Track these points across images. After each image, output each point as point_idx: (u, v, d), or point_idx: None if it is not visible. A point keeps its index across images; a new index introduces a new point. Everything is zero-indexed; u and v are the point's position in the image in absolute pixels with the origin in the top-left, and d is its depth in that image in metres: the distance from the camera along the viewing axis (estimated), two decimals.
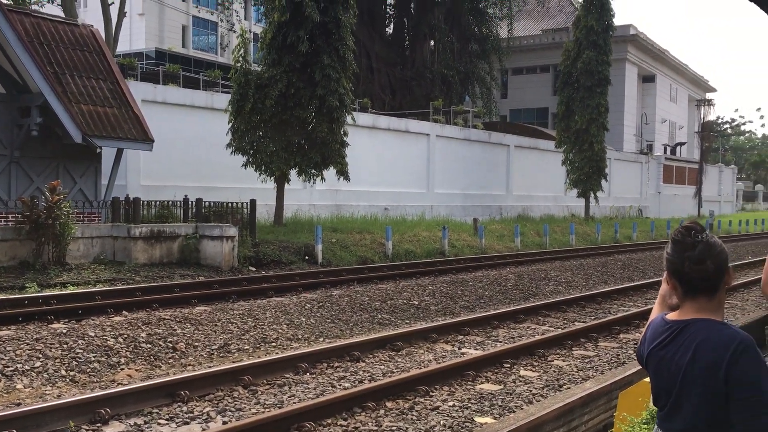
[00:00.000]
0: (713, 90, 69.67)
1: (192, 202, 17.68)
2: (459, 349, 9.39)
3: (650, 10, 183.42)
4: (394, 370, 8.10)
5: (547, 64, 49.14)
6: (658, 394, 2.29)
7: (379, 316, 11.51)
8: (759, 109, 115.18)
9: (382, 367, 8.27)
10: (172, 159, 21.56)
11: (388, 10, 43.85)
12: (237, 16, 39.87)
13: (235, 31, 30.69)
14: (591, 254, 22.76)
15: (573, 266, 19.18)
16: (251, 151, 19.37)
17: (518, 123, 45.83)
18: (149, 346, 8.70)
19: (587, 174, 32.56)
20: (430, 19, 40.02)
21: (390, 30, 44.06)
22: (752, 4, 5.64)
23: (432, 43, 41.63)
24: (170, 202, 17.92)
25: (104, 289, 12.31)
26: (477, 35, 42.78)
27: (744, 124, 73.99)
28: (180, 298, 11.77)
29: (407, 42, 42.56)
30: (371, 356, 8.73)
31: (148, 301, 11.31)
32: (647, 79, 54.30)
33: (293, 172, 20.24)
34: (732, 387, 2.09)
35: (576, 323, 11.36)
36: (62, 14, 26.97)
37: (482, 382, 7.68)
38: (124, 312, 10.51)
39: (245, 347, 9.14)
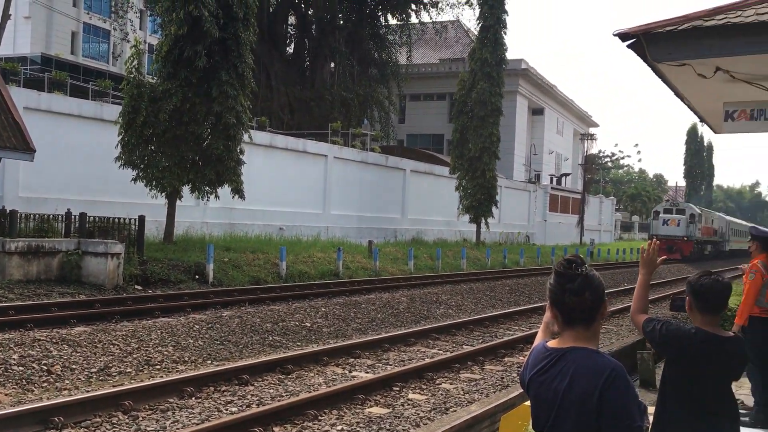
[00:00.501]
0: (596, 125, 73.79)
1: (75, 216, 16.85)
2: (350, 372, 9.39)
3: (540, 47, 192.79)
4: (284, 394, 7.99)
5: (443, 92, 50.50)
6: (537, 418, 2.38)
7: (270, 339, 11.35)
8: (636, 145, 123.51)
9: (272, 390, 8.15)
10: (56, 171, 20.51)
11: (289, 30, 43.83)
12: (131, 25, 38.69)
13: (128, 41, 29.78)
14: (480, 278, 23.41)
15: (463, 290, 19.65)
16: (142, 166, 18.73)
17: (415, 148, 46.73)
18: (21, 368, 8.19)
19: (479, 200, 33.55)
20: (330, 42, 40.30)
21: (291, 50, 44.02)
22: (630, 50, 6.04)
23: (332, 65, 41.91)
24: (51, 216, 16.99)
25: None
26: (377, 60, 43.44)
27: (623, 158, 78.75)
28: (57, 318, 11.17)
29: (308, 63, 42.63)
30: (260, 379, 8.58)
31: (22, 320, 10.66)
32: (536, 111, 56.83)
33: (186, 189, 19.71)
34: (604, 414, 2.20)
35: (464, 346, 11.63)
36: None
37: (371, 406, 7.71)
38: None
39: (127, 370, 8.77)
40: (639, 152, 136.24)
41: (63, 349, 9.15)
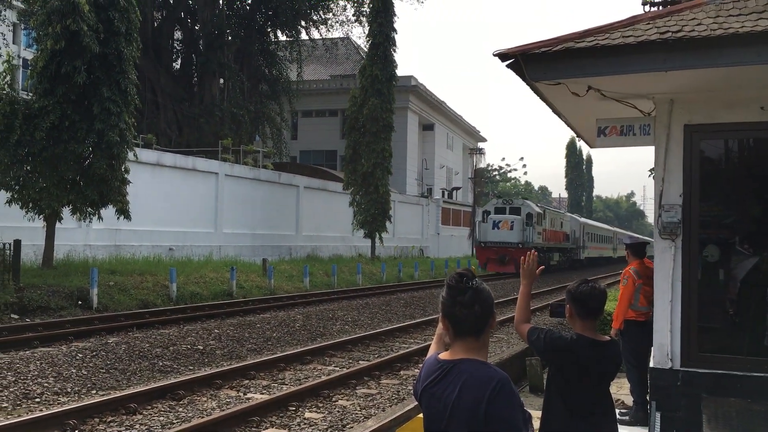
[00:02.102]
0: (484, 140, 76.28)
1: None
2: (244, 394, 9.19)
3: (429, 63, 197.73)
4: (174, 421, 7.72)
5: (335, 109, 50.75)
6: (429, 429, 2.43)
7: (161, 364, 10.94)
8: (522, 158, 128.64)
9: (161, 418, 7.85)
10: None
11: (175, 45, 42.78)
12: (4, 39, 36.54)
13: (1, 56, 28.09)
14: (376, 293, 23.57)
15: (359, 305, 19.71)
16: (17, 187, 17.66)
17: (308, 164, 46.59)
18: None
19: (373, 215, 33.84)
20: (219, 57, 39.62)
21: (177, 65, 42.96)
22: (510, 70, 6.29)
23: (222, 81, 41.21)
24: None
25: None
26: (267, 76, 43.12)
27: (510, 171, 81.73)
28: None
29: (196, 79, 41.73)
30: (150, 407, 8.25)
31: None
32: (427, 127, 58.10)
33: (66, 211, 18.74)
34: (491, 423, 2.27)
35: (360, 362, 11.65)
36: None
37: (267, 427, 7.58)
38: None
39: (3, 405, 8.20)
40: (525, 165, 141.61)
41: None
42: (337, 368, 11.11)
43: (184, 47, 42.58)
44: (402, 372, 10.95)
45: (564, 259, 44.85)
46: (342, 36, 47.66)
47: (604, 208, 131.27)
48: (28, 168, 17.79)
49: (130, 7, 18.83)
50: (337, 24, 44.75)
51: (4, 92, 17.51)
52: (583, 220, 54.93)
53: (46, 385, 9.16)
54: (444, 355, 2.47)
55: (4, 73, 17.97)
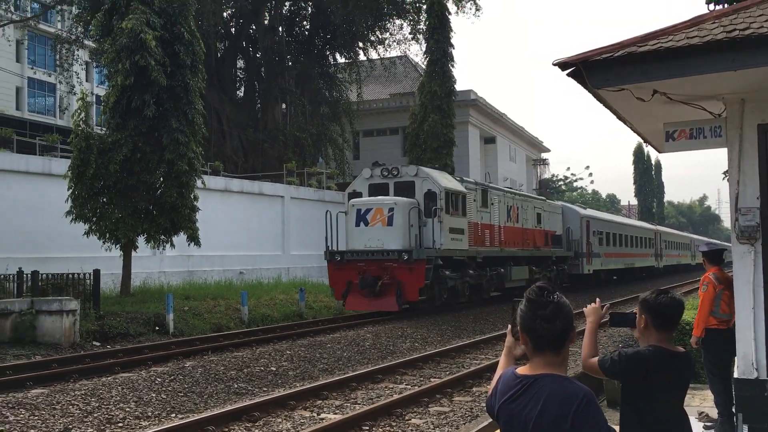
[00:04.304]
0: (548, 150, 75.19)
1: (27, 275, 16.42)
2: (318, 414, 9.25)
3: (489, 76, 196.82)
4: None
5: (396, 127, 51.02)
6: None
7: (236, 386, 11.14)
8: (588, 167, 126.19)
9: None
10: (4, 229, 20.01)
11: (238, 73, 43.91)
12: (77, 77, 38.37)
13: (75, 93, 29.46)
14: (444, 310, 23.36)
15: (428, 323, 19.61)
16: (94, 219, 18.39)
17: None
18: None
19: None
20: (281, 83, 40.47)
21: (241, 93, 44.05)
22: (569, 77, 6.21)
23: (284, 106, 42.03)
24: (2, 276, 16.54)
25: None
26: (328, 99, 43.72)
27: (576, 180, 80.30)
28: (13, 382, 10.79)
29: (258, 105, 42.68)
30: (227, 430, 8.40)
31: None
32: (488, 140, 57.73)
33: (141, 239, 19.40)
34: None
35: (432, 379, 11.58)
36: None
37: None
38: None
39: (88, 430, 8.49)
40: (591, 174, 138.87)
41: (20, 414, 8.84)
42: (409, 386, 11.07)
43: (247, 75, 43.65)
44: (474, 389, 10.83)
45: (546, 274, 28.37)
46: (399, 54, 47.98)
47: (677, 214, 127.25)
48: (104, 200, 18.51)
49: (194, 40, 19.49)
50: (395, 43, 45.14)
51: (80, 128, 18.31)
52: (590, 212, 37.00)
53: (127, 410, 9.43)
54: (522, 370, 2.44)
55: (80, 110, 18.81)
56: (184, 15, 19.34)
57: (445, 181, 21.34)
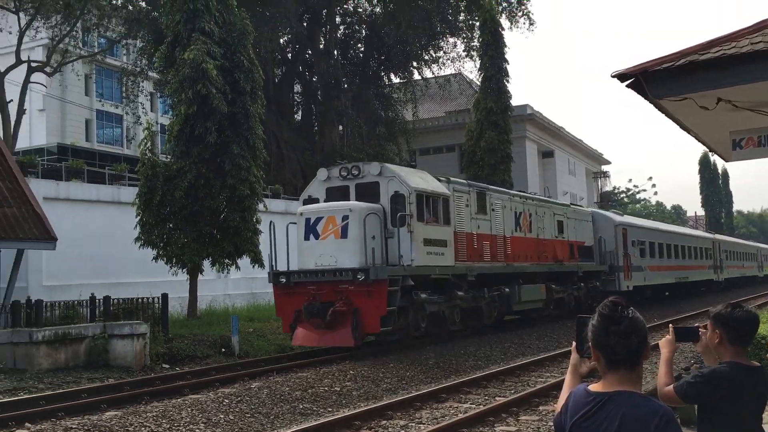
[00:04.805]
0: (608, 162, 73.82)
1: (99, 300, 17.00)
2: None
3: (544, 90, 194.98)
4: None
5: (452, 144, 51.00)
6: None
7: (301, 406, 11.23)
8: (650, 178, 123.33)
9: None
10: (77, 257, 20.79)
11: (295, 98, 44.72)
12: (143, 108, 39.70)
13: (141, 124, 30.49)
14: (508, 328, 23.05)
15: (491, 340, 19.40)
16: (161, 244, 18.96)
17: None
18: None
19: None
20: (337, 105, 41.02)
21: (299, 117, 44.82)
22: (628, 89, 6.13)
23: (340, 127, 42.56)
24: (76, 302, 17.17)
25: (4, 400, 11.51)
26: (384, 119, 44.07)
27: (638, 192, 78.50)
28: (88, 405, 11.15)
29: (316, 128, 43.33)
30: None
31: (54, 410, 10.65)
32: (546, 154, 57.08)
33: (206, 263, 19.87)
34: None
35: (497, 398, 11.44)
36: None
37: None
38: (26, 424, 9.84)
39: None
40: (654, 185, 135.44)
41: None
42: (474, 405, 10.96)
43: (304, 99, 44.42)
44: (541, 407, 10.64)
45: (573, 293, 25.02)
46: (454, 72, 48.06)
47: (747, 224, 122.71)
48: (171, 225, 19.08)
49: (253, 68, 20.00)
50: (449, 61, 45.21)
51: (146, 157, 18.96)
52: (627, 219, 33.13)
53: (197, 431, 9.62)
54: (595, 387, 2.39)
55: (145, 140, 19.50)
56: (243, 43, 19.89)
57: (418, 180, 17.35)
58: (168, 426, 9.75)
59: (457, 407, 10.94)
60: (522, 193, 24.62)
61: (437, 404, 11.15)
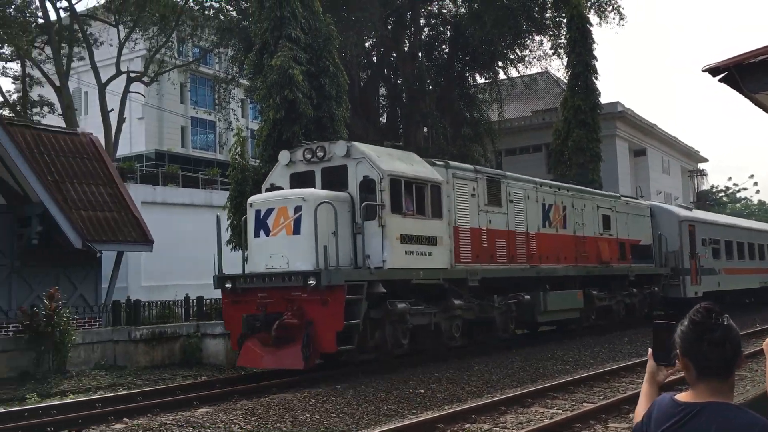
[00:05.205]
0: (705, 160, 70.65)
1: (193, 300, 17.66)
2: None
3: (635, 86, 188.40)
4: None
5: (539, 144, 50.12)
6: None
7: (385, 408, 11.30)
8: (752, 176, 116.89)
9: None
10: (173, 258, 21.69)
11: (380, 100, 45.08)
12: (234, 114, 41.00)
13: (232, 129, 31.52)
14: (596, 332, 22.45)
15: (579, 345, 18.95)
16: None
17: None
18: None
19: None
20: (422, 107, 41.05)
21: (384, 119, 45.15)
22: (723, 83, 5.86)
23: (425, 129, 42.58)
24: (171, 302, 17.90)
25: (105, 395, 12.15)
26: (469, 119, 43.77)
27: (739, 191, 74.70)
28: (182, 401, 11.60)
29: (401, 130, 43.52)
30: None
31: (150, 405, 11.14)
32: (638, 152, 55.19)
33: None
34: None
35: (584, 404, 11.16)
36: (64, 124, 27.69)
37: None
38: (124, 419, 10.35)
39: None
40: (756, 183, 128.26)
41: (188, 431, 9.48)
42: (560, 411, 10.73)
43: (389, 101, 44.72)
44: (630, 414, 10.29)
45: (621, 301, 22.04)
46: (540, 71, 47.26)
47: None
48: None
49: (338, 72, 20.32)
50: (535, 60, 44.45)
51: (237, 161, 19.57)
52: (696, 214, 28.48)
53: (284, 429, 9.84)
54: (683, 397, 2.29)
55: (236, 145, 20.12)
56: (328, 49, 20.23)
57: (397, 163, 14.47)
58: (257, 423, 10.02)
59: (543, 412, 10.73)
60: (553, 182, 21.37)
61: (522, 409, 10.98)
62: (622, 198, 24.19)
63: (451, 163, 16.59)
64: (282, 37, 19.39)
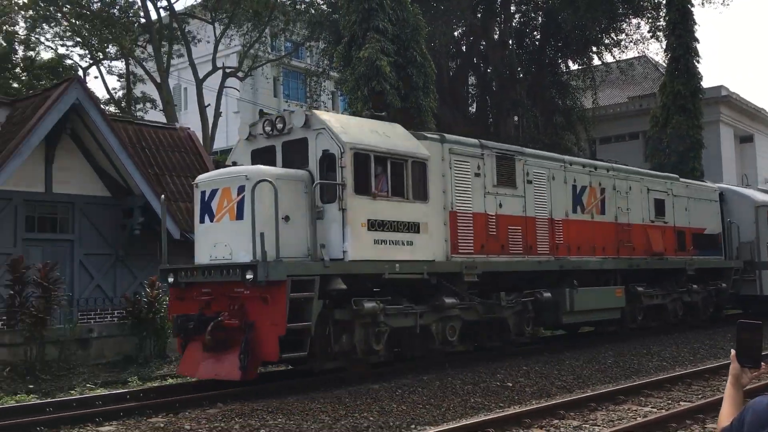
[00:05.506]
0: None
1: None
2: None
3: (742, 69, 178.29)
4: None
5: (635, 131, 48.35)
6: None
7: (472, 400, 11.23)
8: None
9: None
10: None
11: (470, 90, 44.66)
12: (325, 106, 41.66)
13: None
14: (697, 326, 21.51)
15: (677, 340, 18.22)
16: None
17: None
18: None
19: None
20: (512, 96, 40.41)
21: (473, 109, 44.72)
22: None
23: (515, 118, 41.88)
24: None
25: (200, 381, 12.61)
26: (561, 107, 42.75)
27: None
28: (275, 389, 11.89)
29: (491, 119, 42.99)
30: None
31: (243, 392, 11.48)
32: (745, 139, 52.32)
33: None
34: None
35: (681, 403, 10.72)
36: (164, 119, 28.94)
37: None
38: (218, 404, 10.72)
39: None
40: None
41: (277, 418, 9.74)
42: (654, 409, 10.35)
43: (478, 91, 44.24)
44: None
45: (678, 299, 19.45)
46: (637, 55, 45.53)
47: None
48: None
49: (425, 63, 20.29)
50: (631, 44, 42.89)
51: None
52: None
53: (371, 419, 9.94)
54: None
55: None
56: (415, 39, 20.23)
57: (364, 134, 12.23)
58: (344, 412, 10.17)
59: (636, 410, 10.39)
60: (588, 161, 18.70)
61: (614, 406, 10.66)
62: (682, 180, 21.21)
63: (448, 136, 14.23)
64: (370, 29, 19.53)
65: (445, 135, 14.21)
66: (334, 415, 10.03)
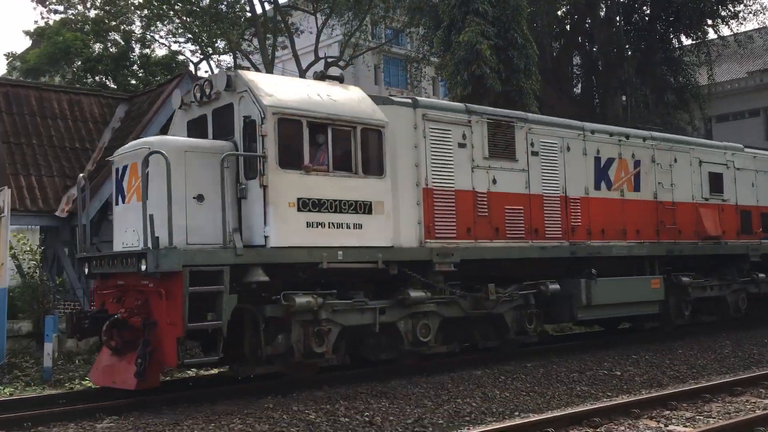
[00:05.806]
0: None
1: None
2: (665, 426, 8.68)
3: None
4: None
5: (756, 108, 45.53)
6: None
7: (578, 389, 11.01)
8: None
9: None
10: None
11: (574, 70, 43.33)
12: (425, 92, 41.62)
13: None
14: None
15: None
16: None
17: None
18: (347, 420, 9.01)
19: None
20: (620, 75, 38.86)
21: (578, 89, 43.39)
22: None
23: (623, 98, 40.29)
24: None
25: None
26: (673, 85, 40.73)
27: None
28: (379, 373, 12.07)
29: (597, 100, 41.57)
30: None
31: (348, 376, 11.71)
32: None
33: None
34: None
35: None
36: None
37: None
38: (324, 386, 11.00)
39: (439, 422, 9.14)
40: None
41: (381, 402, 9.90)
42: None
43: (583, 71, 42.83)
44: None
45: (738, 292, 16.90)
46: (757, 27, 42.71)
47: None
48: None
49: (527, 44, 19.86)
50: (750, 15, 40.31)
51: None
52: None
53: (474, 404, 9.93)
54: None
55: None
56: (517, 21, 19.84)
57: (295, 94, 10.36)
58: (447, 398, 10.22)
59: (754, 402, 9.85)
60: (617, 128, 15.59)
61: (731, 398, 10.15)
62: (748, 150, 17.90)
63: (422, 99, 12.35)
64: (469, 12, 19.31)
65: (419, 98, 12.19)
66: (436, 399, 10.10)
